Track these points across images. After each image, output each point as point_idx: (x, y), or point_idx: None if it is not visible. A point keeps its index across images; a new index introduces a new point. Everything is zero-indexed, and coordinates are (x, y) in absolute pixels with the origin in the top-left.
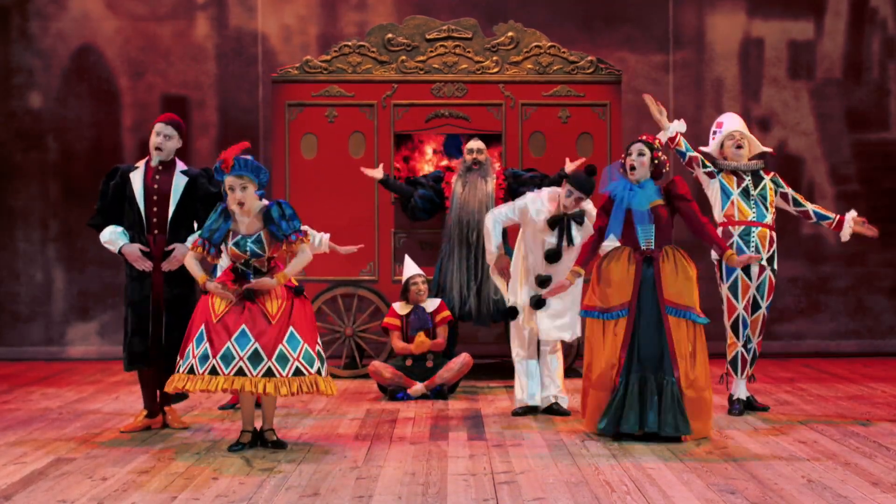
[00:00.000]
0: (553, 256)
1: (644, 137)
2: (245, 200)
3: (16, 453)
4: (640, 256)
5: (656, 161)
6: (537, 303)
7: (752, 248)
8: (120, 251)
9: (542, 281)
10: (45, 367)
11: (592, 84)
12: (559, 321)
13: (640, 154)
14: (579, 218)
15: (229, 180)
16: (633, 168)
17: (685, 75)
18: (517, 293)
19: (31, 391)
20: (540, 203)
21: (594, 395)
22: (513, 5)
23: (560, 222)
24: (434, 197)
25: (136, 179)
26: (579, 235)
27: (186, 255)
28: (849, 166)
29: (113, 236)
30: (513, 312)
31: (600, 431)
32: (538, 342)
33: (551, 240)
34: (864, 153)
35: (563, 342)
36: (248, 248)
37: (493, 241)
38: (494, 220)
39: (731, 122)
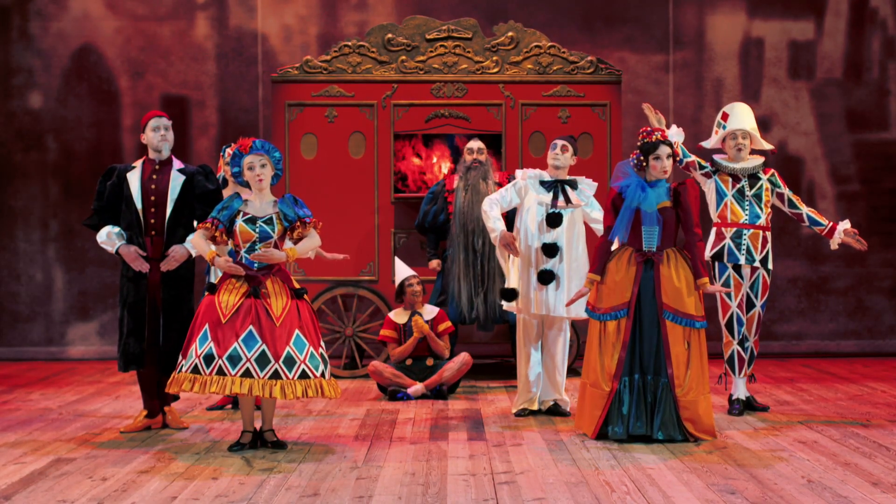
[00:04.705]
0: (554, 220)
1: (662, 136)
2: (264, 177)
3: (16, 453)
4: (641, 258)
5: (676, 158)
6: (507, 295)
7: (743, 251)
8: (117, 252)
9: (508, 294)
10: (45, 367)
11: (592, 84)
12: (565, 299)
13: (668, 157)
14: (573, 182)
15: (248, 159)
16: (665, 172)
17: (685, 75)
18: (514, 279)
19: (31, 391)
20: (532, 174)
21: (590, 393)
22: (513, 5)
23: (555, 186)
24: (441, 214)
25: (133, 180)
26: (574, 198)
27: (192, 237)
28: (849, 166)
29: (110, 237)
30: (510, 294)
31: (610, 436)
32: (543, 339)
33: (549, 202)
34: (864, 153)
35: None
36: (258, 228)
37: (492, 219)
38: (491, 203)
39: (736, 119)
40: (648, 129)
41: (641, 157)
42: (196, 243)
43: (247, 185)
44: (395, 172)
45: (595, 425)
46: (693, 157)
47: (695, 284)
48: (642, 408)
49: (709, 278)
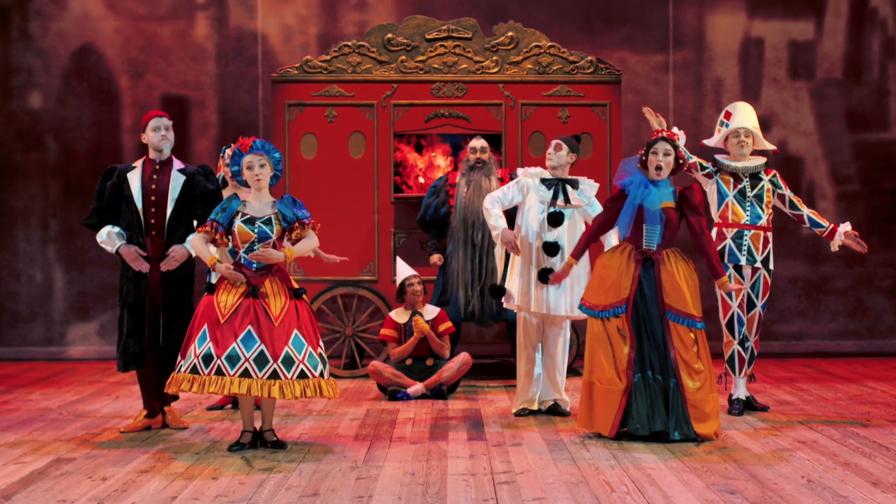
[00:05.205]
0: (556, 219)
1: (665, 134)
2: (262, 177)
3: (16, 453)
4: (640, 256)
5: (680, 161)
6: (495, 291)
7: (744, 252)
8: (117, 251)
9: (496, 291)
10: (45, 367)
11: (592, 84)
12: (565, 298)
13: (667, 154)
14: (574, 182)
15: (248, 159)
16: (659, 168)
17: (685, 75)
18: (511, 280)
19: (31, 391)
20: (533, 172)
21: (602, 391)
22: (513, 5)
23: (556, 185)
24: (443, 208)
25: (134, 180)
26: (574, 198)
27: (192, 240)
28: (849, 166)
29: (110, 237)
30: (499, 291)
31: (631, 433)
32: (543, 339)
33: (550, 201)
34: (864, 153)
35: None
36: (257, 229)
37: (493, 217)
38: (492, 201)
39: (738, 118)
40: (662, 130)
41: (643, 153)
42: (196, 247)
43: (246, 184)
44: (395, 163)
45: (612, 424)
46: (695, 159)
47: (696, 284)
48: (659, 405)
49: (727, 277)
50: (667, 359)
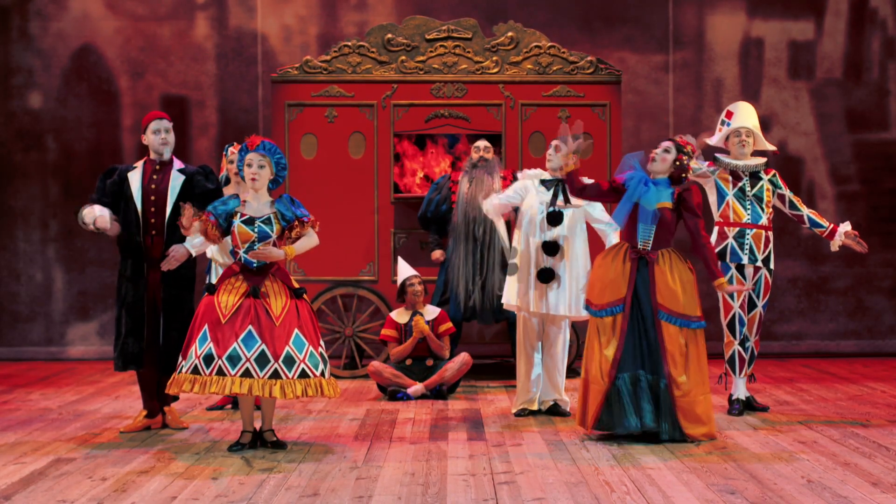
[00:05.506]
0: (555, 218)
1: (678, 139)
2: (258, 177)
3: (16, 453)
4: (635, 255)
5: (678, 163)
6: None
7: (746, 251)
8: (94, 223)
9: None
10: (45, 367)
11: (592, 84)
12: (565, 298)
13: (666, 151)
14: None
15: (249, 156)
16: (653, 160)
17: (685, 75)
18: (510, 280)
19: (31, 391)
20: (532, 174)
21: (591, 390)
22: (513, 5)
23: (555, 185)
24: (444, 204)
25: (134, 180)
26: (574, 198)
27: (185, 253)
28: (849, 166)
29: (96, 207)
30: (512, 268)
31: (627, 427)
32: (542, 339)
33: (550, 201)
34: (864, 153)
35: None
36: (257, 229)
37: (489, 202)
38: (490, 198)
39: (740, 118)
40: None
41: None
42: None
43: None
44: (395, 155)
45: (591, 419)
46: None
47: (692, 284)
48: (648, 404)
49: (725, 279)
50: (658, 359)
